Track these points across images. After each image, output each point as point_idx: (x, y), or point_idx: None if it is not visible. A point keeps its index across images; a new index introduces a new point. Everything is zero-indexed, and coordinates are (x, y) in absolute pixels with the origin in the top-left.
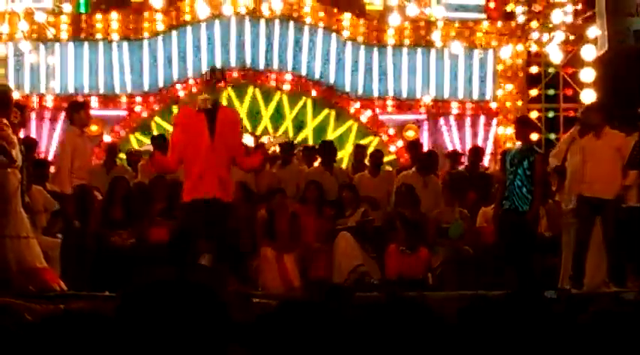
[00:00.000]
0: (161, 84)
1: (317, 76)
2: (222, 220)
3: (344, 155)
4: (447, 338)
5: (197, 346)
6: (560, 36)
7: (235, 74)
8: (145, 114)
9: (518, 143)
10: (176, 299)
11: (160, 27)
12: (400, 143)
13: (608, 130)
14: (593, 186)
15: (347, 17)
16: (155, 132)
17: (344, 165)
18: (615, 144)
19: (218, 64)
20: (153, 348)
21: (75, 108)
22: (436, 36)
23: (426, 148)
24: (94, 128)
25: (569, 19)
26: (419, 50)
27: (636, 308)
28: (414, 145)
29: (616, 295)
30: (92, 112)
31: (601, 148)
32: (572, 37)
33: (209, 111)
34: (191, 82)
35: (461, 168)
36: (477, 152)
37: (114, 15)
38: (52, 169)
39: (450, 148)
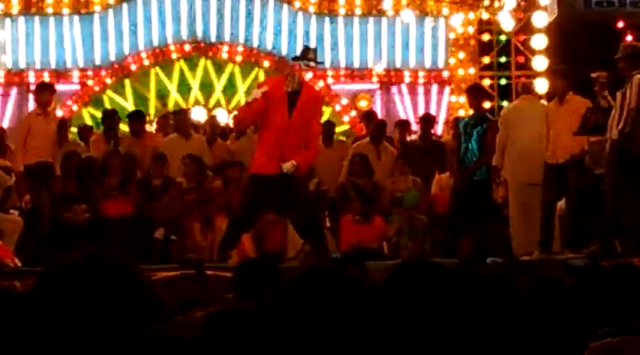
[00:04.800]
0: (113, 58)
1: (269, 47)
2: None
3: None
4: (368, 305)
5: (111, 324)
6: (511, 3)
7: (187, 47)
8: (97, 88)
9: (471, 111)
10: (89, 279)
11: (111, 0)
12: (353, 113)
13: (572, 96)
14: (556, 153)
15: None
16: (108, 106)
17: None
18: (578, 110)
19: (169, 38)
20: (65, 326)
21: (39, 89)
22: (387, 4)
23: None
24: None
25: None
26: (370, 19)
27: (581, 275)
28: (367, 115)
29: (564, 261)
30: None
31: (564, 114)
32: (523, 4)
33: (293, 91)
34: (143, 55)
35: (414, 137)
36: (428, 120)
37: None
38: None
39: (404, 117)
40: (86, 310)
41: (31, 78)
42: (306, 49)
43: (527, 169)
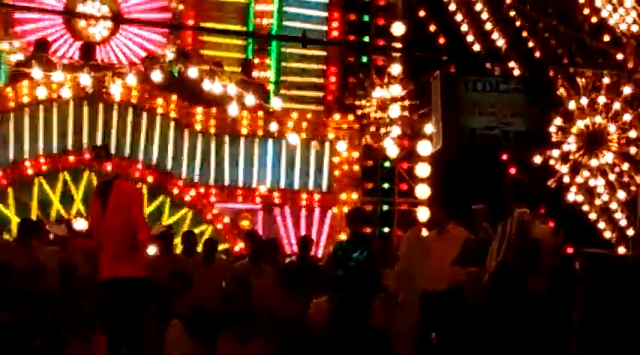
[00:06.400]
0: None
1: (154, 162)
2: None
3: (177, 242)
4: None
5: None
6: (396, 130)
7: (72, 158)
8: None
9: (351, 235)
10: None
11: None
12: (235, 232)
13: (452, 227)
14: (434, 282)
15: (185, 105)
16: None
17: (177, 251)
18: (458, 241)
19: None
20: None
21: None
22: (273, 127)
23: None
24: None
25: (406, 113)
26: (256, 140)
27: None
28: (248, 234)
29: None
30: None
31: (444, 244)
32: (408, 132)
33: (103, 185)
34: (27, 164)
35: (293, 258)
36: (306, 242)
37: None
38: None
39: (285, 238)
40: None
41: None
42: (95, 147)
43: None
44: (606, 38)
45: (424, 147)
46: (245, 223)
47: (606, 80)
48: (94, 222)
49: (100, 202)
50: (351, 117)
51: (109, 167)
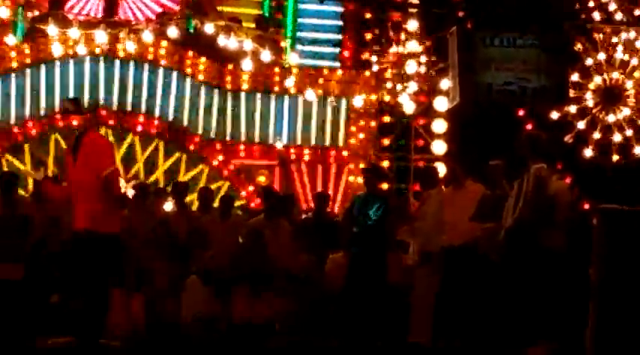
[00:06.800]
0: (13, 121)
1: (170, 118)
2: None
3: (193, 198)
4: None
5: None
6: (413, 86)
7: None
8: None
9: (367, 191)
10: None
11: (14, 64)
12: (251, 188)
13: (469, 183)
14: (451, 237)
15: (202, 61)
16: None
17: (194, 208)
18: (475, 197)
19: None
20: None
21: None
22: (290, 82)
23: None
24: None
25: (423, 69)
26: (272, 96)
27: None
28: (265, 190)
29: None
30: None
31: (460, 200)
32: (425, 88)
33: (74, 139)
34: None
35: (309, 214)
36: (322, 198)
37: None
38: None
39: (301, 194)
40: None
41: None
42: (62, 101)
43: None
44: None
45: (441, 103)
46: (261, 179)
47: (624, 36)
48: (66, 176)
49: (71, 156)
50: (367, 73)
51: (74, 122)
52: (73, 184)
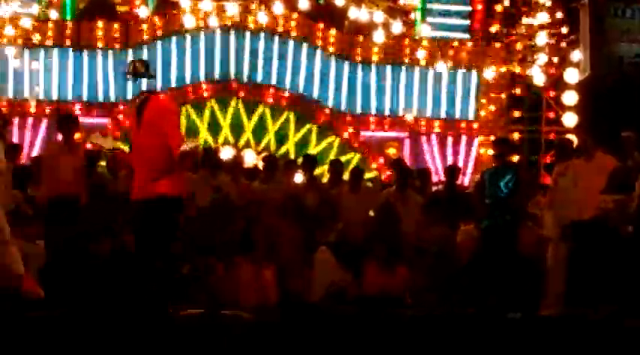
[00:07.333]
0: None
1: (300, 90)
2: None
3: (324, 170)
4: None
5: None
6: (543, 58)
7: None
8: (127, 123)
9: (498, 163)
10: None
11: (145, 37)
12: (381, 160)
13: (600, 154)
14: (582, 210)
15: (332, 34)
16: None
17: (324, 180)
18: (606, 168)
19: (202, 76)
20: None
21: (62, 121)
22: (420, 54)
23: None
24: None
25: (554, 41)
26: (403, 68)
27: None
28: (395, 162)
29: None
30: None
31: (592, 172)
32: (555, 60)
33: (139, 102)
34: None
35: (440, 187)
36: (453, 171)
37: (99, 24)
38: None
39: (432, 167)
40: None
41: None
42: (132, 62)
43: None
44: None
45: (571, 75)
46: (392, 151)
47: None
48: (130, 140)
49: (136, 120)
50: (497, 45)
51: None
52: (136, 149)
